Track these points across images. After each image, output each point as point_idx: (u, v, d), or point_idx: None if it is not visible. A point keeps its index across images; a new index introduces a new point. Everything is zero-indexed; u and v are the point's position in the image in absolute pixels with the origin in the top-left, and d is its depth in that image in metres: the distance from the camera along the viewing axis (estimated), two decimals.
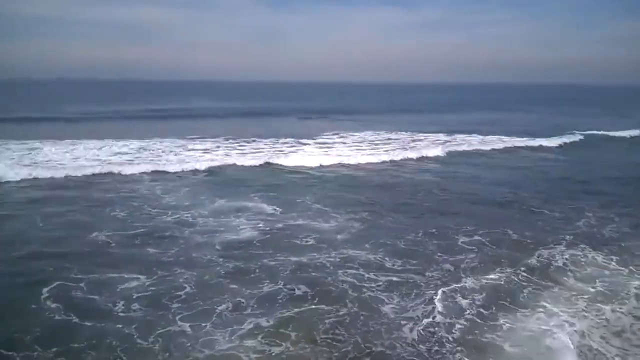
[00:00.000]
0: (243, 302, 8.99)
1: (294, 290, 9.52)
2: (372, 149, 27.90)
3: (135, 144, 27.08)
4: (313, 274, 10.25)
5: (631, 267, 10.70)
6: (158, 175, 19.76)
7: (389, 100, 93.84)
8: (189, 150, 25.84)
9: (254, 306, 8.86)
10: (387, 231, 13.08)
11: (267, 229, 13.17)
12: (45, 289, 9.31)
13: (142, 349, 7.52)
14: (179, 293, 9.34)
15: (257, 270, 10.42)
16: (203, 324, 8.21)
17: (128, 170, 19.95)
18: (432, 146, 28.83)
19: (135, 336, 7.84)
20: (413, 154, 25.51)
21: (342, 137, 33.00)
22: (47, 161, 21.60)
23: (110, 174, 19.58)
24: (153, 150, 25.36)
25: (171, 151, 25.22)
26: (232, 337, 7.83)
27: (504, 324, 8.27)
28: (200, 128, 37.03)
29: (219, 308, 8.78)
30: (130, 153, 24.32)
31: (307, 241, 12.25)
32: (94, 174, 19.32)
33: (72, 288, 9.42)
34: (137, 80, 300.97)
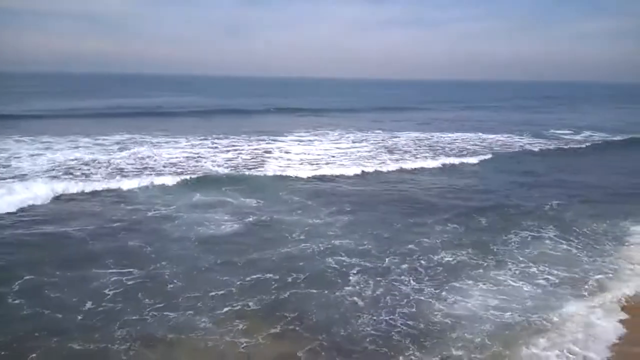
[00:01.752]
0: (232, 290, 9.25)
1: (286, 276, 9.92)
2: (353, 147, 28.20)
3: (103, 140, 26.55)
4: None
5: (578, 245, 12.00)
6: (134, 178, 18.31)
7: (360, 96, 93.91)
8: (160, 148, 25.37)
9: (240, 294, 9.10)
10: None
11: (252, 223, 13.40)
12: (16, 283, 9.19)
13: (112, 339, 7.54)
14: (164, 284, 9.47)
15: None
16: (188, 312, 8.36)
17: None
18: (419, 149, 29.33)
19: (103, 327, 7.86)
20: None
21: (316, 136, 32.48)
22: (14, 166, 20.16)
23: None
24: (122, 150, 24.51)
25: (142, 148, 24.83)
26: (216, 321, 8.10)
27: (457, 301, 9.11)
28: (169, 125, 35.69)
29: (209, 295, 9.03)
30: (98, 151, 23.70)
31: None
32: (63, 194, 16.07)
33: (45, 283, 9.30)
34: (101, 73, 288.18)
